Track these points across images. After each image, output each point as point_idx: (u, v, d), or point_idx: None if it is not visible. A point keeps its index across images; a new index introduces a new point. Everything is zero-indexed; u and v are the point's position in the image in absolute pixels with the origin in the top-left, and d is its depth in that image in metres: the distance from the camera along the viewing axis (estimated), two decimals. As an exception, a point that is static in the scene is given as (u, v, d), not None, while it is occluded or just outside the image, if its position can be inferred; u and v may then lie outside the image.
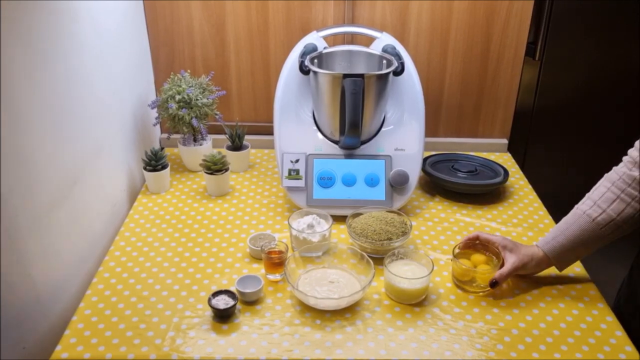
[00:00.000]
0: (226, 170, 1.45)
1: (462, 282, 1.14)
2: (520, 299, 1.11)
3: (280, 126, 1.39)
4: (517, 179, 1.56)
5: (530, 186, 1.53)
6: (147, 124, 1.59)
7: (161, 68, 1.65)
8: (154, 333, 1.01)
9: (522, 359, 0.98)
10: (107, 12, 1.31)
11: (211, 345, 0.99)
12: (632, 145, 1.05)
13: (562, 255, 1.10)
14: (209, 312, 1.06)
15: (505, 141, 1.74)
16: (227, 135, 1.57)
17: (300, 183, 1.35)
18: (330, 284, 1.13)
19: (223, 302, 1.06)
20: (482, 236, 1.16)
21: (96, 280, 1.15)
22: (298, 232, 1.21)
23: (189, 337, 1.01)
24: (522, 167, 1.65)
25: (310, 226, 1.23)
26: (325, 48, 1.42)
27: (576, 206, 1.10)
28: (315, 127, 1.40)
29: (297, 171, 1.36)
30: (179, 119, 1.47)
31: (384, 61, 1.38)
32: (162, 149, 1.46)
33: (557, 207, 1.48)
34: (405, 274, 1.10)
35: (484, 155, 1.63)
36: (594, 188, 1.08)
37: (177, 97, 1.46)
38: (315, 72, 1.32)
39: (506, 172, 1.50)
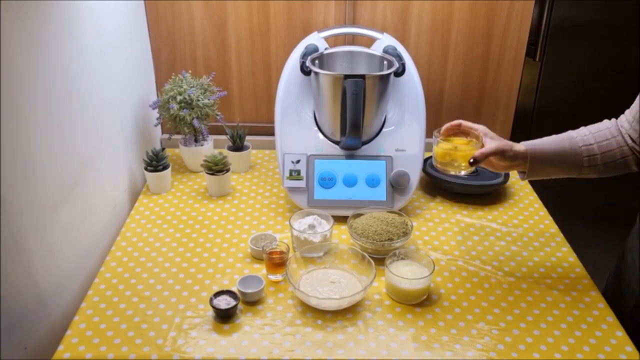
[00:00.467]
0: (227, 170, 1.45)
1: (443, 164, 1.13)
2: (521, 300, 1.12)
3: (281, 127, 1.39)
4: (518, 180, 1.56)
5: (531, 187, 1.54)
6: (149, 125, 1.59)
7: (162, 68, 1.66)
8: (156, 333, 1.02)
9: (523, 359, 0.98)
10: (108, 13, 1.31)
11: (213, 346, 0.99)
12: None
13: (537, 160, 1.08)
14: (210, 312, 1.06)
15: (505, 142, 1.74)
16: (228, 136, 1.57)
17: (301, 184, 1.35)
18: (332, 284, 1.13)
19: (224, 302, 1.06)
20: (464, 123, 1.15)
21: (98, 281, 1.15)
22: (299, 233, 1.21)
23: (191, 337, 1.01)
24: (523, 168, 1.65)
25: (312, 227, 1.23)
26: (326, 49, 1.43)
27: (571, 131, 1.10)
28: (316, 128, 1.40)
29: (298, 172, 1.36)
30: (180, 120, 1.48)
31: (385, 62, 1.38)
32: (163, 149, 1.46)
33: (558, 208, 1.48)
34: (406, 274, 1.10)
35: (485, 155, 1.63)
36: (594, 125, 1.10)
37: (179, 98, 1.46)
38: (316, 73, 1.32)
39: (507, 173, 1.50)
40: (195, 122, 1.48)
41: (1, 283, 0.90)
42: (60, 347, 0.98)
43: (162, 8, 1.57)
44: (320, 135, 1.40)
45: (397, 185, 1.35)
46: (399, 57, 1.36)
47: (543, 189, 1.53)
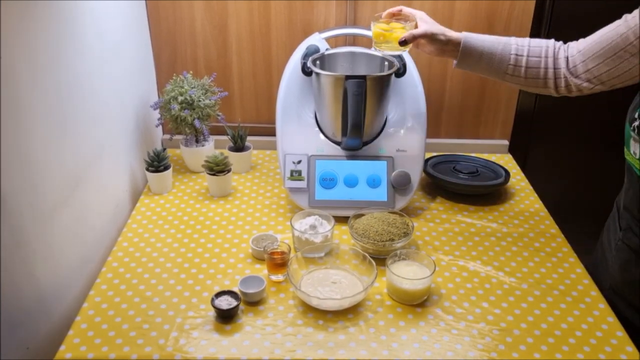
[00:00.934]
0: (228, 171, 1.45)
1: (377, 44, 1.19)
2: (522, 300, 1.12)
3: (282, 127, 1.39)
4: (518, 180, 1.57)
5: (531, 187, 1.54)
6: (150, 125, 1.59)
7: (163, 69, 1.66)
8: (157, 333, 1.02)
9: (524, 359, 0.98)
10: (109, 14, 1.31)
11: (214, 346, 0.99)
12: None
13: (468, 50, 1.11)
14: (211, 313, 1.06)
15: (506, 142, 1.74)
16: (229, 136, 1.57)
17: (303, 184, 1.36)
18: (333, 284, 1.13)
19: (226, 302, 1.06)
20: (405, 9, 1.20)
21: (99, 281, 1.15)
22: (300, 233, 1.21)
23: (192, 338, 1.01)
24: (523, 169, 1.65)
25: (313, 227, 1.23)
26: (327, 49, 1.43)
27: (514, 37, 1.12)
28: (317, 129, 1.40)
29: (299, 172, 1.36)
30: (182, 120, 1.48)
31: (386, 62, 1.39)
32: (164, 149, 1.46)
33: (559, 208, 1.48)
34: (407, 274, 1.10)
35: (485, 156, 1.64)
36: (538, 39, 1.11)
37: (180, 98, 1.47)
38: (317, 74, 1.32)
39: (507, 174, 1.50)
40: (197, 123, 1.48)
41: (2, 283, 0.90)
42: (62, 347, 0.98)
43: (163, 9, 1.58)
44: (321, 136, 1.40)
45: (398, 185, 1.35)
46: (400, 58, 1.36)
47: (544, 190, 1.53)
